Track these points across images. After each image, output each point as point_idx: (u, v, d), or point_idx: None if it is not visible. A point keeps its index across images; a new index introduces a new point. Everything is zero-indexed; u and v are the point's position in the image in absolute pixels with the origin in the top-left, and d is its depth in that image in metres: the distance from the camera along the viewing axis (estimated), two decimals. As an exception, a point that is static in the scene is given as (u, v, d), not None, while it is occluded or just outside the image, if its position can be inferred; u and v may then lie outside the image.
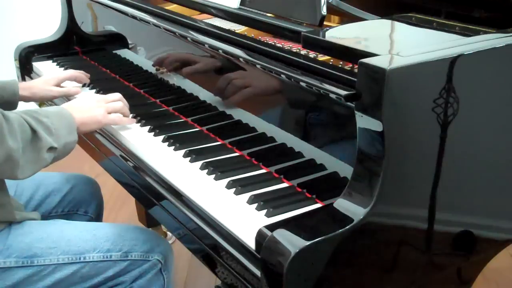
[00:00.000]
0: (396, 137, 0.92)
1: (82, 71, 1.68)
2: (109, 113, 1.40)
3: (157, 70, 1.62)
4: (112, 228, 1.37)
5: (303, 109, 1.18)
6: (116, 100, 1.43)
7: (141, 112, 1.51)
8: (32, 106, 1.60)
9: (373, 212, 0.93)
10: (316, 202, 1.08)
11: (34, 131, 1.18)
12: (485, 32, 1.08)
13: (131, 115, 1.47)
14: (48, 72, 1.88)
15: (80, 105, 1.37)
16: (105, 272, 1.31)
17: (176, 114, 1.51)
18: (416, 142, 0.96)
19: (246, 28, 1.39)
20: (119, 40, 1.81)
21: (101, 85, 1.74)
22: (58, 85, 1.65)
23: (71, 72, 1.70)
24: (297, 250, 0.88)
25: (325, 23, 1.22)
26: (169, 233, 2.25)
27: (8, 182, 1.30)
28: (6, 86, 1.54)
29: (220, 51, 1.32)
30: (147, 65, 1.71)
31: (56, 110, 1.29)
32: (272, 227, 0.97)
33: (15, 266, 1.25)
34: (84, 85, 1.75)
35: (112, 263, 1.31)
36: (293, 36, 1.20)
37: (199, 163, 1.24)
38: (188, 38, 1.42)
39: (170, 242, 1.55)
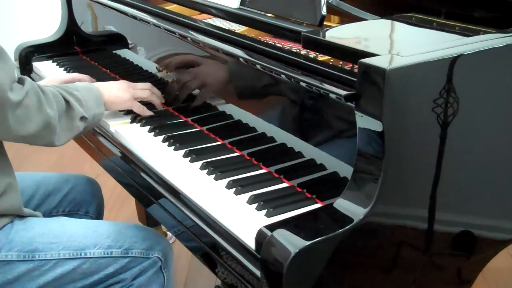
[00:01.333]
0: (396, 137, 0.92)
1: (87, 76, 1.68)
2: (136, 99, 1.47)
3: (159, 71, 1.62)
4: (113, 225, 1.38)
5: (303, 109, 1.18)
6: (144, 89, 1.50)
7: (141, 112, 1.51)
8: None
9: (373, 212, 0.93)
10: (316, 202, 1.08)
11: (67, 102, 1.29)
12: (485, 32, 1.08)
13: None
14: (51, 74, 1.88)
15: (110, 85, 1.47)
16: (105, 268, 1.31)
17: (176, 114, 1.51)
18: (416, 142, 0.96)
19: (246, 28, 1.39)
20: (119, 40, 1.82)
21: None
22: None
23: (74, 74, 1.69)
24: (297, 250, 0.88)
25: (325, 23, 1.21)
26: (169, 233, 2.25)
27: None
28: None
29: (220, 51, 1.32)
30: (147, 65, 1.71)
31: (85, 85, 1.40)
32: (272, 227, 0.97)
33: (17, 260, 1.26)
34: None
35: (112, 260, 1.32)
36: (293, 36, 1.20)
37: (199, 163, 1.24)
38: (188, 38, 1.42)
39: (170, 242, 1.55)
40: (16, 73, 1.22)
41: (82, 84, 1.40)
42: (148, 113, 1.49)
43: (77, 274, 1.30)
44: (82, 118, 1.31)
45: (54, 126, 1.25)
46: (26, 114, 1.19)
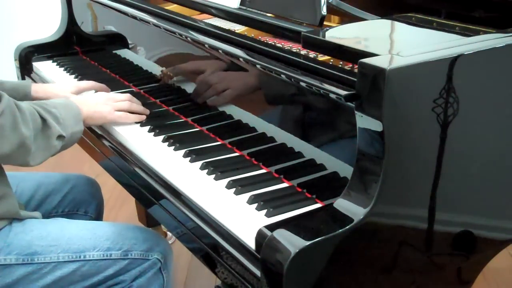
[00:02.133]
0: (396, 137, 0.92)
1: (104, 85, 1.65)
2: (116, 111, 1.44)
3: (164, 75, 1.61)
4: (112, 227, 1.37)
5: (303, 109, 1.18)
6: (124, 100, 1.46)
7: (141, 112, 1.51)
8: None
9: (373, 212, 0.93)
10: (316, 202, 1.08)
11: (44, 120, 1.25)
12: (485, 32, 1.08)
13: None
14: (50, 76, 1.87)
15: (88, 100, 1.44)
16: (105, 270, 1.31)
17: (176, 114, 1.51)
18: (416, 142, 0.96)
19: (246, 28, 1.39)
20: (119, 40, 1.81)
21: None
22: (77, 93, 1.61)
23: (92, 83, 1.66)
24: (297, 250, 0.88)
25: (325, 23, 1.22)
26: (169, 233, 2.25)
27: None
28: (19, 87, 1.54)
29: (220, 51, 1.32)
30: (147, 65, 1.71)
31: (63, 102, 1.36)
32: (272, 227, 0.97)
33: (16, 263, 1.26)
34: None
35: (112, 262, 1.31)
36: (293, 36, 1.20)
37: (199, 163, 1.24)
38: (188, 38, 1.42)
39: (170, 242, 1.55)
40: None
41: (59, 101, 1.35)
42: (133, 117, 1.45)
43: (76, 276, 1.30)
44: (60, 137, 1.28)
45: (29, 146, 1.20)
46: (0, 133, 1.16)
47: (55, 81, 1.84)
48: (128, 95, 1.49)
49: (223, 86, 1.38)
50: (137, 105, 1.48)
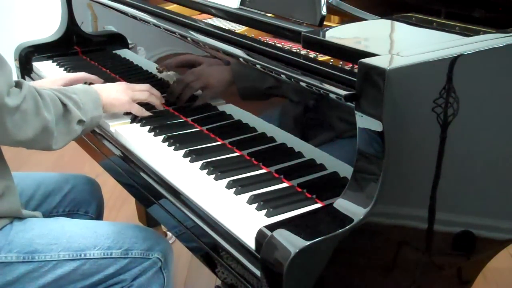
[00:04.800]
0: (396, 137, 0.92)
1: (96, 76, 1.66)
2: (134, 101, 1.46)
3: (159, 72, 1.62)
4: (112, 226, 1.38)
5: (303, 109, 1.18)
6: (143, 91, 1.48)
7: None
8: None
9: (373, 212, 0.93)
10: (316, 202, 1.08)
11: (64, 105, 1.28)
12: (485, 32, 1.08)
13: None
14: (57, 74, 1.87)
15: (108, 87, 1.46)
16: (105, 269, 1.31)
17: (176, 114, 1.51)
18: (416, 142, 0.96)
19: (246, 28, 1.39)
20: (119, 40, 1.82)
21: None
22: (65, 85, 1.61)
23: (81, 74, 1.67)
24: (297, 250, 0.88)
25: (325, 23, 1.21)
26: (169, 233, 2.25)
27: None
28: None
29: (220, 51, 1.32)
30: (147, 65, 1.71)
31: (83, 88, 1.39)
32: (272, 227, 0.97)
33: (16, 261, 1.26)
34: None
35: (112, 261, 1.32)
36: (293, 36, 1.20)
37: (199, 163, 1.24)
38: (188, 38, 1.42)
39: (170, 242, 1.55)
40: (13, 77, 1.22)
41: (80, 87, 1.39)
42: (148, 114, 1.48)
43: (77, 275, 1.30)
44: (80, 122, 1.31)
45: (52, 130, 1.24)
46: (23, 118, 1.18)
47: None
48: (147, 85, 1.51)
49: (202, 82, 1.42)
50: (155, 97, 1.51)
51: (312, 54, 1.19)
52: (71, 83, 1.59)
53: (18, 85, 1.20)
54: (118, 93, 1.45)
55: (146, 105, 1.50)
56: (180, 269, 2.24)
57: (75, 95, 1.32)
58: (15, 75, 2.04)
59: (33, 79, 1.95)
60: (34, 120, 1.20)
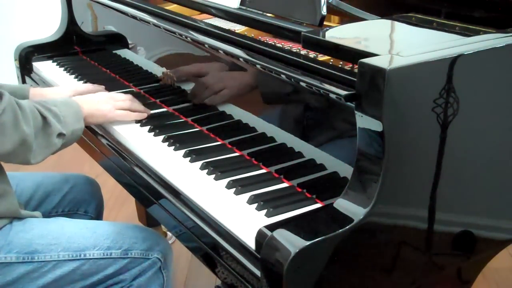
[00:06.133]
0: (396, 137, 0.92)
1: (102, 87, 1.66)
2: (117, 109, 1.44)
3: (165, 76, 1.61)
4: (112, 226, 1.37)
5: (303, 109, 1.18)
6: (125, 100, 1.46)
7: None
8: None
9: (373, 212, 0.93)
10: (316, 202, 1.08)
11: (44, 118, 1.26)
12: (485, 32, 1.08)
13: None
14: (50, 76, 1.87)
15: (89, 99, 1.44)
16: (105, 269, 1.31)
17: (176, 114, 1.51)
18: (416, 142, 0.96)
19: (246, 28, 1.39)
20: (119, 40, 1.81)
21: (101, 85, 1.74)
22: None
23: (89, 86, 1.66)
24: (297, 250, 0.88)
25: (325, 23, 1.21)
26: (169, 233, 2.25)
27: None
28: (17, 91, 1.54)
29: (220, 51, 1.32)
30: (147, 65, 1.71)
31: (64, 100, 1.37)
32: (272, 227, 0.97)
33: (16, 261, 1.26)
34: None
35: (112, 261, 1.32)
36: (293, 36, 1.20)
37: (199, 163, 1.24)
38: (188, 38, 1.42)
39: (170, 242, 1.55)
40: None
41: (60, 99, 1.37)
42: (134, 115, 1.46)
43: (76, 275, 1.30)
44: (60, 135, 1.28)
45: (30, 144, 1.22)
46: (1, 131, 1.17)
47: (55, 81, 1.84)
48: (129, 95, 1.49)
49: (220, 86, 1.38)
50: (138, 104, 1.49)
51: (312, 54, 1.19)
52: (80, 95, 1.58)
53: None
54: (99, 104, 1.42)
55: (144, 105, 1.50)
56: (180, 269, 2.24)
57: (55, 108, 1.29)
58: (15, 75, 2.05)
59: (33, 79, 1.96)
60: (13, 133, 1.18)
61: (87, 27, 2.03)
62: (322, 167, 1.15)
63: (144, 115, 1.47)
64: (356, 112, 0.94)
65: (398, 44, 1.11)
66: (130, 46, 1.79)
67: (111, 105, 1.43)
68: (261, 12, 1.33)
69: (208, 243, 1.11)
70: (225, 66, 1.36)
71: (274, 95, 1.25)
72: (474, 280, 1.20)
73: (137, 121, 1.47)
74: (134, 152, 1.38)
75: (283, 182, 1.17)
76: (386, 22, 1.19)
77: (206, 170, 1.21)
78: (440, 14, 1.28)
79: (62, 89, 1.63)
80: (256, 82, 1.27)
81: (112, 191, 2.60)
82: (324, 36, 1.10)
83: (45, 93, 1.60)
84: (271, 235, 0.93)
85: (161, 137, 1.38)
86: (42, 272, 1.28)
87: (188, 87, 1.50)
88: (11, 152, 1.20)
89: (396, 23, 1.18)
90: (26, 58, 2.00)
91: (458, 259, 1.13)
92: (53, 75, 1.89)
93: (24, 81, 2.00)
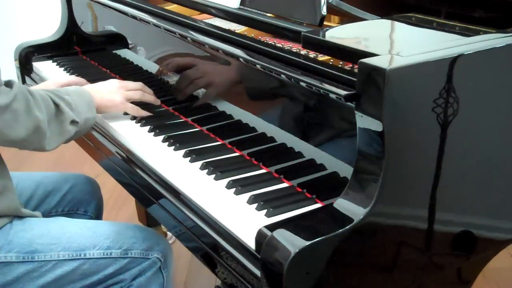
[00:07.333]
0: (396, 137, 0.92)
1: (84, 79, 1.67)
2: (128, 100, 1.46)
3: (160, 73, 1.62)
4: (112, 226, 1.38)
5: (303, 109, 1.18)
6: (136, 89, 1.48)
7: (141, 112, 1.51)
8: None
9: (373, 212, 0.93)
10: (316, 202, 1.08)
11: (57, 105, 1.27)
12: (485, 32, 1.08)
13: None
14: (51, 75, 1.88)
15: (101, 88, 1.45)
16: (105, 269, 1.31)
17: (176, 114, 1.51)
18: (416, 142, 0.96)
19: (246, 28, 1.39)
20: (119, 40, 1.82)
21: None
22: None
23: (71, 78, 1.68)
24: (297, 250, 0.88)
25: (325, 23, 1.22)
26: (169, 233, 2.25)
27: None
28: None
29: (220, 51, 1.32)
30: (147, 65, 1.71)
31: (76, 89, 1.38)
32: (272, 227, 0.97)
33: (16, 261, 1.26)
34: None
35: (112, 261, 1.32)
36: (293, 36, 1.20)
37: (199, 163, 1.24)
38: (188, 38, 1.42)
39: (170, 242, 1.55)
40: (9, 76, 1.21)
41: (73, 88, 1.38)
42: (143, 112, 1.47)
43: (76, 275, 1.30)
44: (73, 122, 1.30)
45: (44, 130, 1.23)
46: (14, 118, 1.17)
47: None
48: (140, 84, 1.50)
49: (205, 81, 1.41)
50: (149, 95, 1.50)
51: (312, 54, 1.19)
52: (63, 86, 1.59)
53: (8, 84, 1.19)
54: (111, 94, 1.44)
55: (146, 105, 1.50)
56: (180, 269, 2.24)
57: (68, 96, 1.31)
58: (15, 75, 2.05)
59: (33, 79, 1.95)
60: (26, 120, 1.19)
61: (87, 27, 2.03)
62: (322, 167, 1.15)
63: (151, 114, 1.49)
64: (356, 112, 0.94)
65: (398, 44, 1.11)
66: (130, 46, 1.79)
67: (122, 96, 1.45)
68: (261, 12, 1.33)
69: (208, 243, 1.11)
70: (224, 65, 1.36)
71: (274, 95, 1.26)
72: (474, 280, 1.20)
73: (137, 121, 1.47)
74: (134, 152, 1.38)
75: (283, 182, 1.17)
76: (386, 22, 1.19)
77: (206, 170, 1.21)
78: (440, 14, 1.28)
79: (45, 84, 1.64)
80: (256, 81, 1.27)
81: (112, 191, 2.60)
82: (324, 36, 1.10)
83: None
84: (271, 235, 0.93)
85: (161, 137, 1.38)
86: (42, 272, 1.28)
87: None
88: (25, 139, 1.21)
89: (396, 23, 1.18)
90: (26, 58, 2.00)
91: (458, 259, 1.13)
92: (53, 75, 1.89)
93: (24, 81, 2.00)
